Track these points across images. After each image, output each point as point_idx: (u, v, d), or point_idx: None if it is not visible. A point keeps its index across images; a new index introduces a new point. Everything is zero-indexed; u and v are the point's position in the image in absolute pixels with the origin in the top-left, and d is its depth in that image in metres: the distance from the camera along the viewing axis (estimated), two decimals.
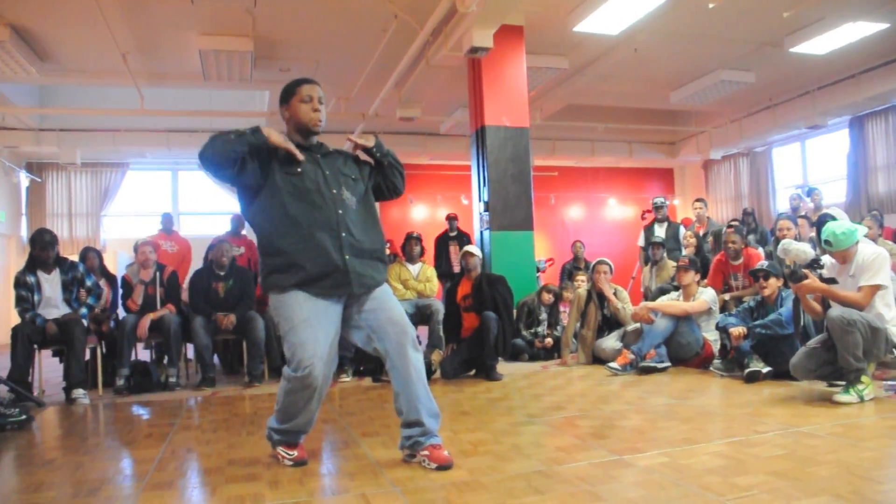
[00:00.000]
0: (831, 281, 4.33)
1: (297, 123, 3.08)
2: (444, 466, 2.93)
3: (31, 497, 2.80)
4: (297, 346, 2.85)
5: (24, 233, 12.94)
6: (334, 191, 3.02)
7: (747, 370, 4.92)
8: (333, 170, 3.09)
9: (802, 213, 8.23)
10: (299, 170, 2.99)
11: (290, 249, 2.92)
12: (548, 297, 7.14)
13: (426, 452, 2.97)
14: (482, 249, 7.30)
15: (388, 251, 8.22)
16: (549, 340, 6.90)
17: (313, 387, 2.88)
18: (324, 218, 2.96)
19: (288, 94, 3.08)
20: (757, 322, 5.12)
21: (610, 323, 6.44)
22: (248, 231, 8.28)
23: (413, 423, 3.01)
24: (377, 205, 3.36)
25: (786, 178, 13.70)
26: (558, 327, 7.14)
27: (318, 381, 2.87)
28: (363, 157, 3.28)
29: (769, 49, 9.06)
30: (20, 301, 5.52)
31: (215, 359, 6.63)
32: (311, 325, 2.87)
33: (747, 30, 8.49)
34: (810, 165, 13.29)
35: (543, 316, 7.10)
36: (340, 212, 3.00)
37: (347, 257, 2.96)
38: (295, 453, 3.09)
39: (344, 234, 2.98)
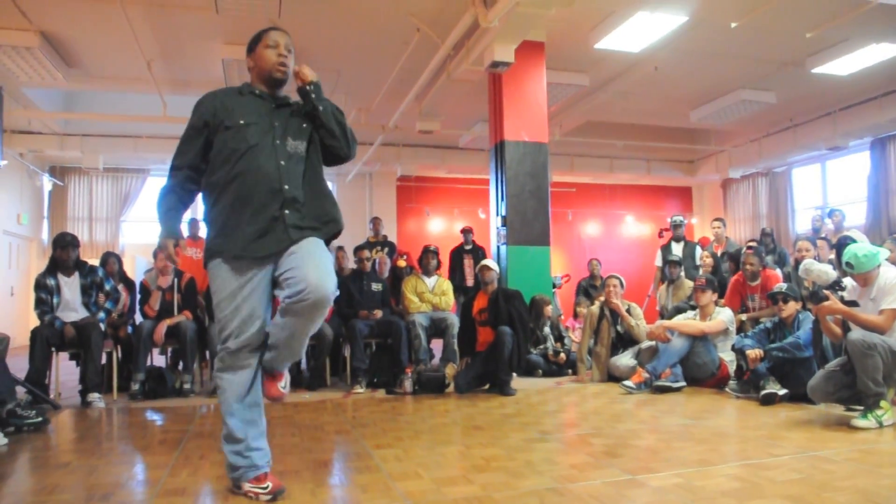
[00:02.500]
0: (852, 304, 4.29)
1: (260, 71, 2.94)
2: (274, 398, 2.90)
3: (46, 499, 2.82)
4: (224, 318, 2.78)
5: (46, 236, 13.07)
6: (277, 141, 2.84)
7: (763, 392, 4.88)
8: (284, 119, 2.92)
9: (822, 235, 8.16)
10: (242, 121, 2.82)
11: (226, 212, 2.79)
12: (548, 309, 7.11)
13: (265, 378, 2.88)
14: (499, 264, 7.28)
15: (404, 263, 8.25)
16: (561, 356, 6.87)
17: (238, 389, 2.78)
18: (263, 172, 2.78)
19: (254, 43, 2.97)
20: (774, 345, 5.07)
21: (624, 340, 6.40)
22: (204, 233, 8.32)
23: (272, 348, 2.81)
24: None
25: (805, 198, 13.60)
26: (565, 340, 7.12)
27: (248, 359, 2.77)
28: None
29: (791, 69, 9.02)
30: (39, 303, 5.57)
31: None
32: (238, 299, 2.76)
33: (769, 49, 8.47)
34: (830, 187, 13.19)
35: (546, 331, 7.07)
36: (283, 163, 2.83)
37: (287, 212, 2.79)
38: (268, 485, 2.76)
39: (286, 187, 2.80)
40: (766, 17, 7.11)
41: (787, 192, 13.68)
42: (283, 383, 2.93)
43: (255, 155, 2.80)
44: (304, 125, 2.96)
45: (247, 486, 2.77)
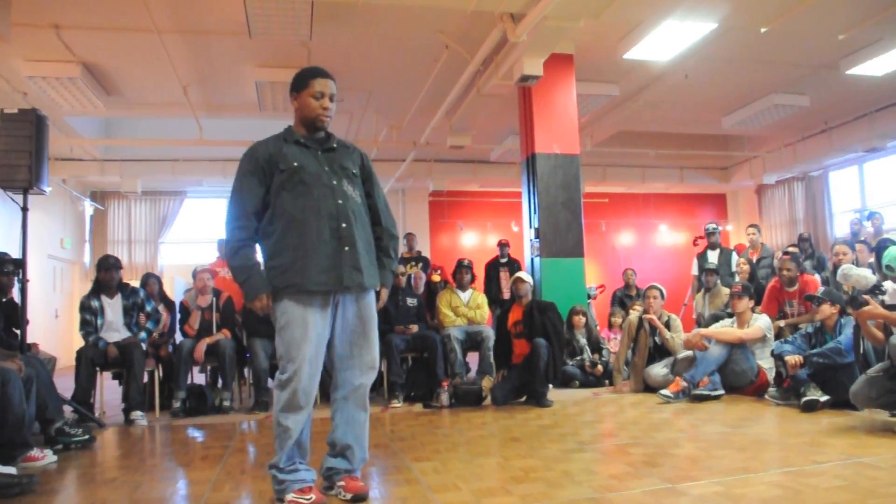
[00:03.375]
0: (894, 307, 4.21)
1: (303, 118, 3.06)
2: (359, 496, 2.92)
3: None
4: (289, 349, 2.86)
5: (87, 259, 13.39)
6: (334, 182, 2.99)
7: (804, 399, 4.80)
8: (333, 164, 3.05)
9: (861, 238, 8.03)
10: (295, 164, 2.96)
11: (288, 250, 2.90)
12: (579, 320, 7.09)
13: (342, 483, 2.97)
14: (533, 276, 7.28)
15: (439, 278, 8.29)
16: (599, 368, 6.83)
17: (296, 400, 2.84)
18: (323, 210, 2.92)
19: (299, 85, 3.06)
20: (814, 351, 4.99)
21: (661, 350, 6.35)
22: None
23: (341, 455, 3.03)
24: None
25: (843, 202, 13.35)
26: (602, 350, 7.07)
27: (302, 391, 2.84)
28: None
29: (824, 72, 8.91)
30: (84, 325, 5.72)
31: (270, 382, 6.74)
32: (305, 336, 2.86)
33: (801, 53, 8.38)
34: (868, 189, 12.94)
35: (583, 342, 7.04)
36: (340, 202, 2.96)
37: (347, 249, 2.93)
38: (312, 496, 2.82)
39: (344, 225, 2.94)
40: (797, 20, 7.06)
41: (825, 195, 13.47)
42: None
43: (314, 194, 2.94)
44: (356, 177, 3.12)
45: (290, 497, 2.82)
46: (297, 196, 2.93)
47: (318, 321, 2.91)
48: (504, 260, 9.60)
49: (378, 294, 3.16)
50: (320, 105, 3.02)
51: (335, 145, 3.12)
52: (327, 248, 2.90)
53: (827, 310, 5.13)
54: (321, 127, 3.08)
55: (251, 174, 2.98)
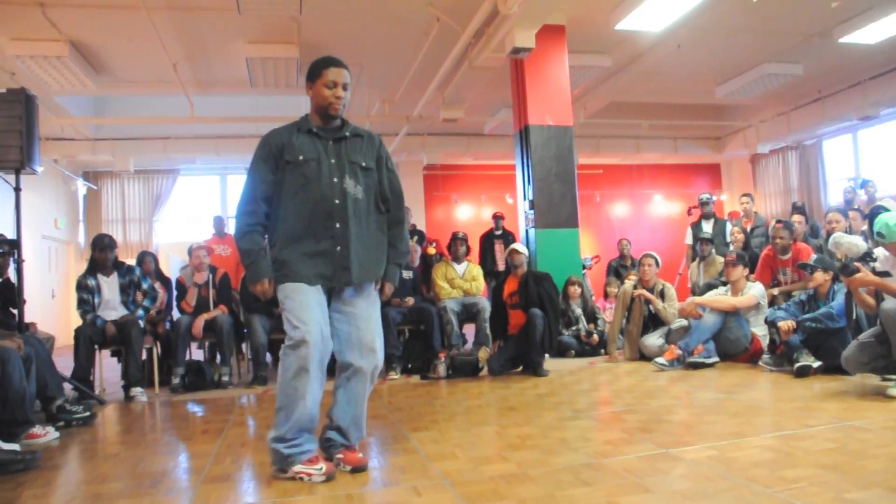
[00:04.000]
0: (885, 274, 4.25)
1: (317, 106, 3.12)
2: (358, 468, 2.98)
3: (98, 488, 2.94)
4: (296, 315, 2.90)
5: (82, 239, 13.37)
6: (335, 179, 3.04)
7: (797, 364, 4.87)
8: (341, 157, 3.09)
9: (856, 206, 8.06)
10: (301, 157, 3.02)
11: (284, 243, 3.01)
12: (574, 290, 7.12)
13: (340, 455, 3.02)
14: (528, 247, 7.31)
15: (434, 251, 8.31)
16: (594, 337, 6.88)
17: (305, 365, 2.86)
18: (320, 208, 2.99)
19: (313, 75, 3.12)
20: (807, 316, 5.04)
21: (656, 319, 6.40)
22: (231, 231, 8.43)
23: (339, 430, 3.07)
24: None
25: (837, 170, 13.37)
26: (598, 320, 7.12)
27: (312, 355, 2.86)
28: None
29: (817, 40, 8.87)
30: (82, 303, 5.73)
31: (268, 357, 6.78)
32: (309, 303, 2.92)
33: (794, 21, 8.34)
34: (862, 157, 12.95)
35: (578, 312, 7.08)
36: (337, 202, 3.01)
37: (338, 248, 3.00)
38: (322, 466, 2.87)
39: (338, 225, 3.00)
40: None
41: (818, 164, 13.49)
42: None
43: (313, 190, 3.00)
44: (365, 170, 3.14)
45: (298, 468, 2.86)
46: (297, 191, 3.00)
47: (315, 303, 2.96)
48: (499, 232, 9.61)
49: (382, 286, 3.22)
50: (333, 94, 3.06)
51: (348, 134, 3.15)
52: (319, 246, 2.99)
53: (820, 277, 5.17)
54: (334, 115, 3.11)
55: (264, 161, 3.06)
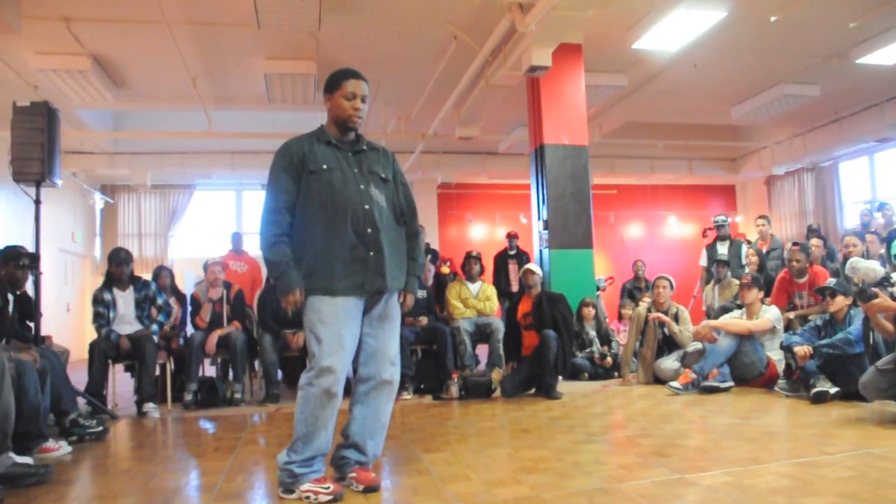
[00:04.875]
0: None
1: (336, 118, 3.11)
2: (371, 487, 2.96)
3: None
4: (328, 342, 2.88)
5: (98, 253, 13.46)
6: (362, 186, 3.03)
7: (814, 390, 4.80)
8: (362, 168, 3.09)
9: (872, 230, 7.99)
10: (325, 166, 3.01)
11: (315, 252, 2.96)
12: (588, 312, 7.08)
13: (354, 474, 3.01)
14: (541, 268, 7.30)
15: (448, 270, 8.30)
16: (608, 360, 6.83)
17: (333, 390, 2.87)
18: (350, 215, 2.97)
19: (332, 87, 3.11)
20: (824, 341, 4.98)
21: (670, 342, 6.35)
22: (249, 248, 8.54)
23: (355, 447, 3.06)
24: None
25: (853, 193, 13.28)
26: (612, 343, 7.07)
27: (338, 382, 2.87)
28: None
29: (835, 61, 8.84)
30: (97, 317, 5.75)
31: (279, 374, 6.77)
32: (341, 333, 2.90)
33: (811, 42, 8.32)
34: (879, 180, 12.86)
35: (592, 334, 7.04)
36: (367, 207, 3.01)
37: (371, 254, 2.98)
38: (330, 486, 2.87)
39: (370, 231, 2.99)
40: (807, 8, 7.02)
41: (834, 186, 13.40)
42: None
43: (341, 198, 2.98)
44: (385, 180, 3.16)
45: (306, 487, 2.86)
46: (325, 199, 2.97)
47: (353, 319, 2.97)
48: (513, 252, 9.60)
49: (404, 298, 3.20)
50: (352, 106, 3.08)
51: (365, 147, 3.16)
52: (352, 253, 2.96)
53: (841, 301, 5.12)
54: (353, 127, 3.13)
55: (284, 171, 3.03)
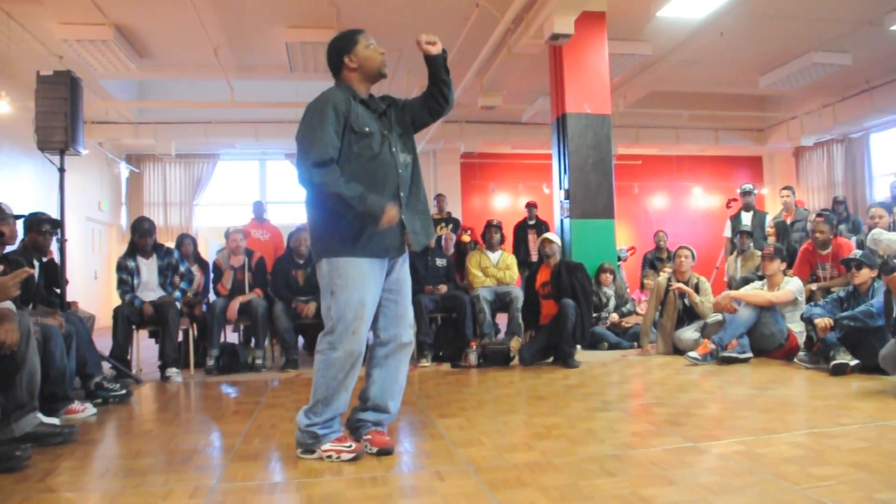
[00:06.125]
0: None
1: (368, 70, 3.06)
2: (385, 450, 2.99)
3: (131, 463, 3.02)
4: (356, 312, 2.90)
5: (124, 221, 13.63)
6: (394, 149, 3.04)
7: (833, 362, 4.76)
8: (392, 129, 3.09)
9: None
10: (367, 129, 2.97)
11: (355, 217, 2.88)
12: (606, 277, 7.10)
13: (368, 437, 3.04)
14: (562, 237, 7.28)
15: (468, 238, 8.31)
16: (614, 316, 6.87)
17: (357, 352, 2.92)
18: (388, 180, 2.98)
19: (350, 43, 3.06)
20: (845, 314, 4.92)
21: (690, 313, 6.32)
22: (270, 217, 8.56)
23: (374, 409, 3.09)
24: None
25: (884, 165, 13.01)
26: (626, 306, 7.08)
27: (361, 343, 2.93)
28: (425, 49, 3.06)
29: (867, 28, 8.62)
30: (121, 284, 5.87)
31: (300, 341, 6.86)
32: (359, 288, 2.91)
33: (843, 8, 8.11)
34: None
35: (609, 293, 7.07)
36: (401, 171, 3.03)
37: (404, 216, 3.00)
38: (352, 444, 2.94)
39: (403, 195, 3.02)
40: None
41: (865, 158, 13.12)
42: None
43: (379, 163, 2.98)
44: (408, 139, 3.17)
45: (328, 447, 2.92)
46: (366, 163, 2.95)
47: (376, 282, 2.99)
48: (532, 222, 9.58)
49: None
50: (378, 52, 3.08)
51: (385, 107, 3.13)
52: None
53: (866, 274, 5.05)
54: (385, 74, 3.11)
55: (332, 125, 2.90)
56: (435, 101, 3.15)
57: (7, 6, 7.27)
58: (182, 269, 6.17)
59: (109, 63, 8.60)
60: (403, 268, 3.15)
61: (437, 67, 3.09)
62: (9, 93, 8.30)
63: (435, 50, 3.06)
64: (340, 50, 3.08)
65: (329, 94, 2.99)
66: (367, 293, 2.93)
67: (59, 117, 5.21)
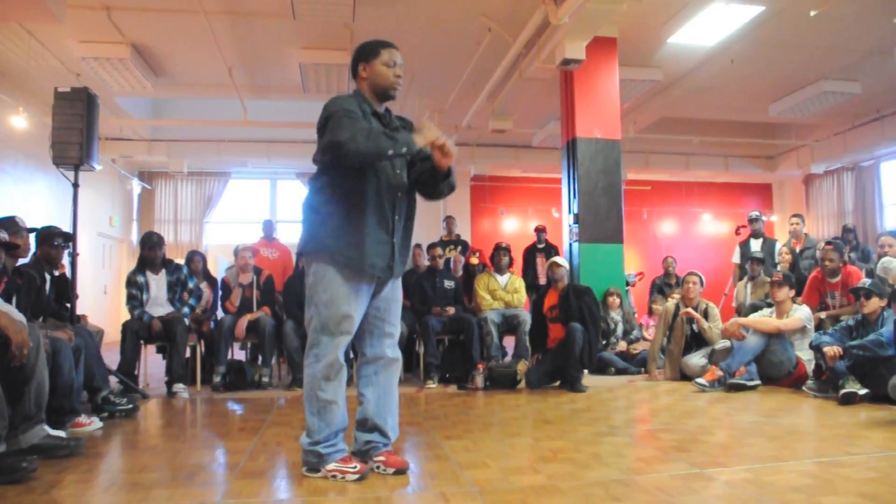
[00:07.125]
0: None
1: (375, 86, 3.01)
2: (401, 470, 2.97)
3: (136, 477, 3.02)
4: (338, 324, 2.87)
5: (135, 237, 13.72)
6: (398, 171, 3.01)
7: (842, 391, 4.72)
8: None
9: None
10: None
11: (344, 227, 2.87)
12: (613, 301, 7.10)
13: (382, 458, 3.01)
14: (570, 261, 7.28)
15: (477, 261, 8.32)
16: (622, 344, 6.83)
17: (339, 362, 2.90)
18: (385, 199, 2.94)
19: (370, 54, 3.01)
20: (854, 342, 4.89)
21: (698, 339, 6.29)
22: (279, 236, 8.60)
23: (375, 429, 3.06)
24: None
25: (895, 193, 12.98)
26: (633, 333, 7.07)
27: (341, 351, 2.91)
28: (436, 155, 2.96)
29: (877, 57, 8.66)
30: (130, 299, 5.90)
31: None
32: (344, 305, 2.88)
33: (853, 37, 8.16)
34: None
35: (617, 318, 7.05)
36: (400, 194, 3.01)
37: (395, 240, 2.98)
38: (356, 465, 2.90)
39: (397, 218, 2.99)
40: (848, 3, 6.91)
41: (875, 186, 13.11)
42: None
43: (380, 181, 2.94)
44: (408, 169, 3.11)
45: (332, 467, 2.89)
46: (367, 179, 2.90)
47: (362, 299, 2.95)
48: (541, 245, 9.59)
49: None
50: (393, 73, 3.00)
51: (397, 125, 3.09)
52: (381, 236, 2.94)
53: (876, 303, 5.02)
54: (393, 96, 3.05)
55: (353, 111, 2.84)
56: (434, 192, 3.11)
57: (28, 24, 7.40)
58: (191, 285, 6.20)
59: (125, 81, 8.72)
60: (394, 287, 3.11)
61: (438, 179, 3.04)
62: (26, 108, 8.43)
63: (446, 164, 2.97)
64: (359, 57, 3.06)
65: (349, 102, 2.92)
66: (354, 312, 2.91)
67: (74, 133, 5.28)
